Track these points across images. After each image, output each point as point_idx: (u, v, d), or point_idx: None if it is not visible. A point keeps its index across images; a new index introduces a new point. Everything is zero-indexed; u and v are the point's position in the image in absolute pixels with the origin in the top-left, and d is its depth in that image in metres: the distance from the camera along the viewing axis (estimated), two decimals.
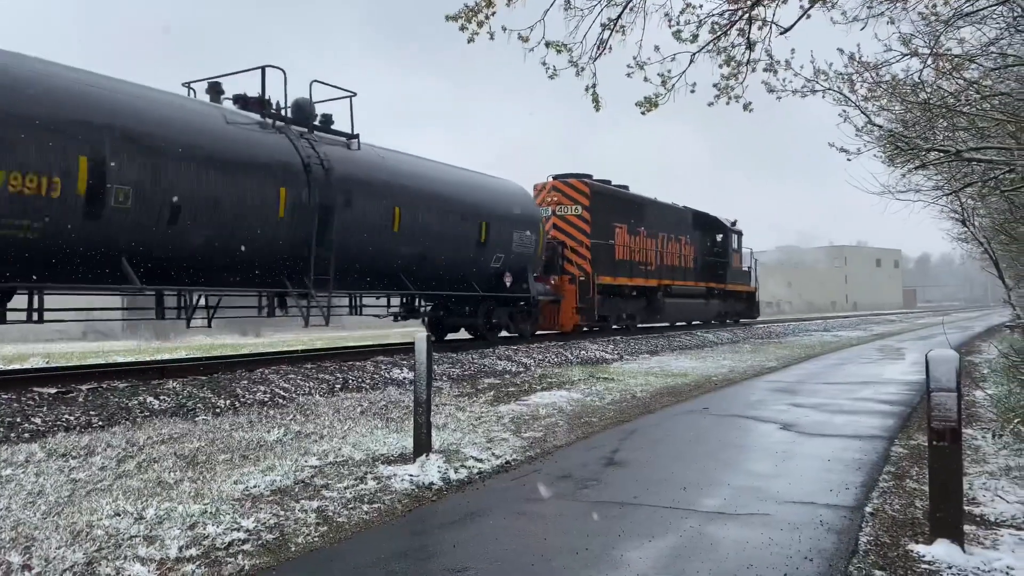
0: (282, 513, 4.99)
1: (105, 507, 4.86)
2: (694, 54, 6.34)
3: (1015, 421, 7.59)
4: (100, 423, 7.81)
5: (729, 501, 5.31)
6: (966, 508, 4.88)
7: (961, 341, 24.36)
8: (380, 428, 7.98)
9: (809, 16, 6.19)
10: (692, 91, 6.49)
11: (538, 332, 19.67)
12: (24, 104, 8.55)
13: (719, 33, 6.32)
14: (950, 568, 4.07)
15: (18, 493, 5.19)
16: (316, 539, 4.60)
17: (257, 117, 12.00)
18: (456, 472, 6.15)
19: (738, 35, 6.38)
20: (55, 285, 9.56)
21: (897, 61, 7.40)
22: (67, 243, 9.04)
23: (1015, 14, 7.13)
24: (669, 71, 6.38)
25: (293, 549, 4.41)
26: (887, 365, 16.43)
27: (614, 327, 22.52)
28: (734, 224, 30.97)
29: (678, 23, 6.24)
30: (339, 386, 10.91)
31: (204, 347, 21.57)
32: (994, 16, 7.27)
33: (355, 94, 13.57)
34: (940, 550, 4.23)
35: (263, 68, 12.31)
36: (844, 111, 7.92)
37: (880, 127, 8.13)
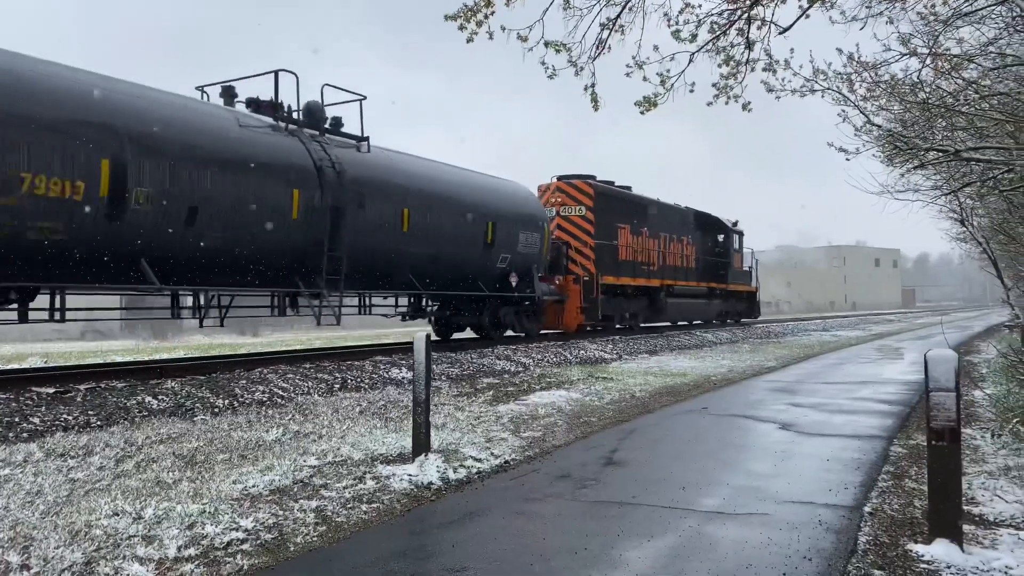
0: (281, 513, 4.98)
1: (104, 507, 4.85)
2: (693, 54, 6.34)
3: (1014, 421, 7.59)
4: (98, 423, 7.80)
5: (728, 501, 5.31)
6: (965, 508, 4.88)
7: (960, 341, 24.37)
8: (379, 428, 7.98)
9: (808, 16, 6.19)
10: (691, 91, 6.50)
11: (543, 331, 19.85)
12: (50, 109, 8.81)
13: (718, 33, 6.32)
14: (949, 568, 4.08)
15: (16, 493, 5.19)
16: (315, 539, 4.59)
17: (270, 120, 12.22)
18: (455, 472, 6.15)
19: (737, 35, 6.38)
20: (77, 285, 9.84)
21: (896, 61, 7.40)
22: (89, 244, 9.29)
23: (1014, 14, 7.13)
24: (668, 71, 6.38)
25: (292, 549, 4.41)
26: (886, 365, 16.43)
27: (617, 326, 22.68)
28: (735, 224, 31.14)
29: (677, 23, 6.24)
30: (338, 386, 10.90)
31: (202, 347, 21.56)
32: (993, 16, 7.27)
33: (365, 97, 13.83)
34: (939, 550, 4.24)
35: (276, 72, 12.55)
36: (843, 111, 7.92)
37: (879, 127, 8.13)
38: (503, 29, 6.11)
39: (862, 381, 13.02)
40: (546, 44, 6.21)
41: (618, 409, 9.72)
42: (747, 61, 6.49)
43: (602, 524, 4.80)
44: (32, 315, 9.70)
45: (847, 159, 7.86)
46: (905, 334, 31.43)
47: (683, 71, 6.37)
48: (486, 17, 6.08)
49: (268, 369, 11.25)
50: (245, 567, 4.09)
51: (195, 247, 10.49)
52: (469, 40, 6.15)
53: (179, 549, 4.25)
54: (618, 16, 6.23)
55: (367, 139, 13.79)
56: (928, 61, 7.32)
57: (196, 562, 4.11)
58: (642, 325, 24.37)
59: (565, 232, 20.93)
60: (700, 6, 6.22)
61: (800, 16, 6.18)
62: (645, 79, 6.42)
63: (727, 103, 6.66)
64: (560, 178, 21.90)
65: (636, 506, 5.20)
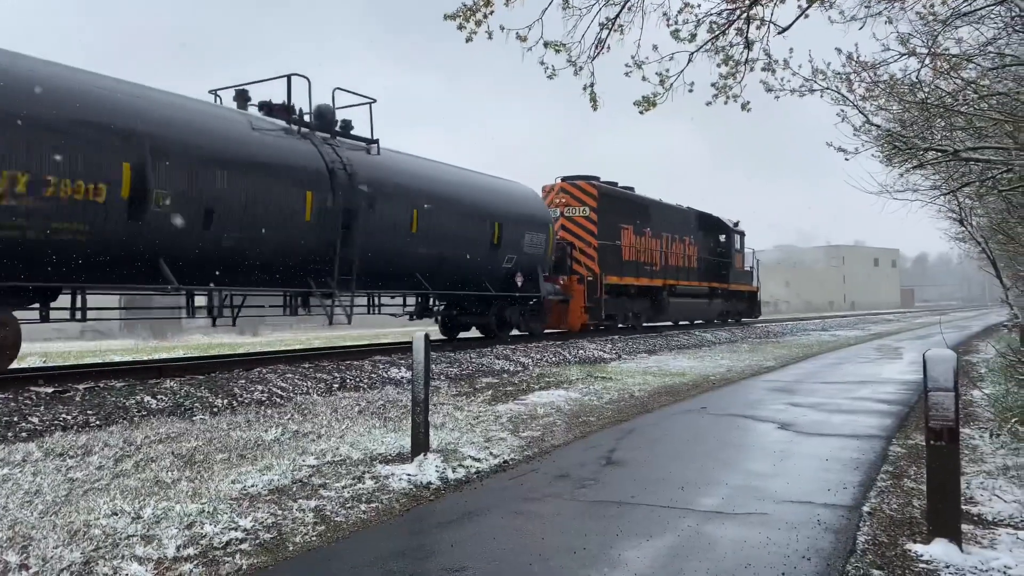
0: (280, 512, 4.98)
1: (102, 506, 4.85)
2: (692, 53, 6.35)
3: (1012, 421, 7.60)
4: (97, 422, 7.80)
5: (727, 500, 5.31)
6: (964, 507, 4.88)
7: (958, 341, 24.39)
8: (378, 427, 7.98)
9: (807, 16, 6.20)
10: (690, 90, 6.50)
11: (547, 331, 20.04)
12: (75, 114, 9.04)
13: (717, 32, 6.33)
14: (948, 567, 4.08)
15: (15, 492, 5.18)
16: (314, 538, 4.59)
17: (283, 124, 12.45)
18: (454, 471, 6.15)
19: (736, 34, 6.39)
20: (97, 285, 10.09)
21: (895, 61, 7.40)
22: (110, 245, 9.53)
23: (1013, 14, 7.13)
24: (667, 70, 6.39)
25: (291, 548, 4.41)
26: (885, 364, 16.44)
27: (620, 326, 22.84)
28: (737, 225, 31.33)
29: (676, 22, 6.25)
30: (337, 385, 10.90)
31: (201, 346, 21.55)
32: (992, 16, 7.27)
33: (375, 100, 14.03)
34: (938, 549, 4.24)
35: (288, 77, 12.80)
36: (842, 111, 7.92)
37: (878, 127, 8.13)
38: (502, 29, 6.11)
39: (861, 381, 13.03)
40: (545, 44, 6.22)
41: (617, 409, 9.72)
42: (746, 61, 6.50)
43: (601, 524, 4.80)
44: (49, 315, 9.95)
45: (846, 159, 7.86)
46: (904, 334, 31.45)
47: (682, 71, 6.38)
48: (485, 17, 6.09)
49: (267, 369, 11.25)
50: (244, 567, 4.09)
51: (212, 248, 10.74)
52: (468, 40, 6.15)
53: (178, 549, 4.25)
54: (617, 16, 6.24)
55: (376, 141, 14.05)
56: (927, 61, 7.33)
57: (195, 562, 4.11)
58: (644, 325, 24.51)
59: (569, 233, 21.12)
60: (699, 6, 6.24)
61: (799, 16, 6.19)
62: (644, 79, 6.43)
63: (726, 103, 6.67)
64: (564, 179, 22.07)
65: (635, 506, 5.20)
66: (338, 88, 13.50)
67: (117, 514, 4.72)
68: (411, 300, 16.70)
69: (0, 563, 3.90)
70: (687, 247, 26.85)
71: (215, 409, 8.88)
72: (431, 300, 16.95)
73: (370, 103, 14.01)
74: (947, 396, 4.33)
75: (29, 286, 9.24)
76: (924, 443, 4.68)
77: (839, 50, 7.59)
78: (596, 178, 22.38)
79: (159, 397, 8.88)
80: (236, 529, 4.59)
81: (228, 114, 11.83)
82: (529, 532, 4.70)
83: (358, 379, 11.45)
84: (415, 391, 6.46)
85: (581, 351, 17.25)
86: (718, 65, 6.53)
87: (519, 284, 17.65)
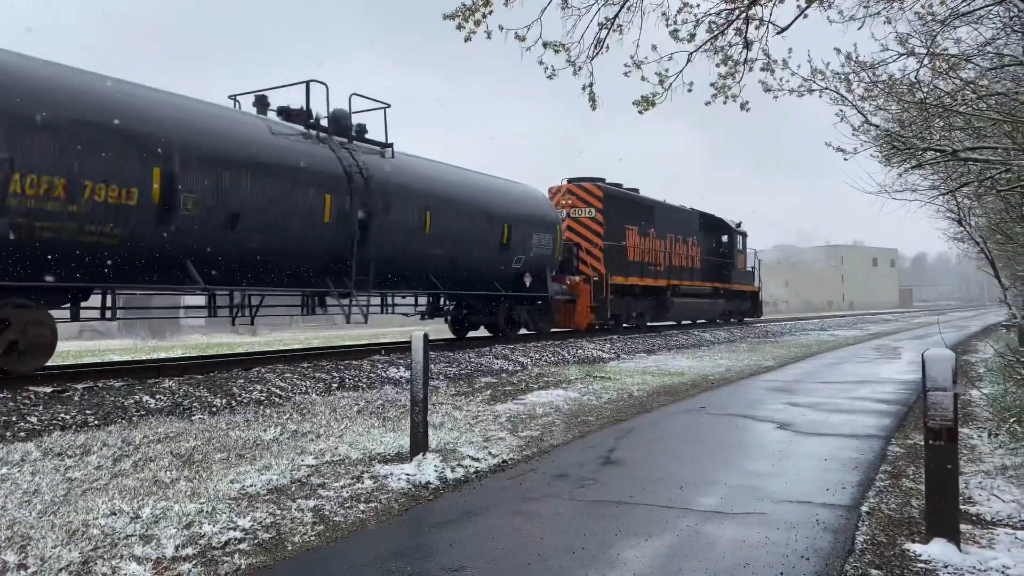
0: (278, 512, 4.98)
1: (101, 506, 4.85)
2: (691, 53, 6.35)
3: (1011, 420, 7.61)
4: (96, 422, 7.79)
5: (726, 500, 5.31)
6: (962, 507, 4.88)
7: (957, 340, 24.41)
8: (377, 427, 7.98)
9: (806, 16, 6.20)
10: (689, 90, 6.50)
11: (553, 330, 20.32)
12: (110, 121, 9.32)
13: (716, 32, 6.33)
14: (946, 567, 4.08)
15: (14, 492, 5.18)
16: (313, 538, 4.59)
17: (301, 128, 12.78)
18: (453, 471, 6.15)
19: (735, 34, 6.38)
20: (127, 285, 10.51)
21: (894, 61, 7.40)
22: (141, 247, 9.85)
23: (1011, 14, 7.14)
24: (666, 70, 6.38)
25: (290, 548, 4.40)
26: (883, 364, 16.46)
27: (625, 325, 23.07)
28: (739, 226, 31.60)
29: (675, 22, 6.25)
30: (336, 385, 10.90)
31: (200, 346, 21.54)
32: (991, 16, 7.28)
33: (389, 105, 14.43)
34: (936, 549, 4.24)
35: (307, 83, 13.13)
36: (841, 111, 7.92)
37: (877, 127, 8.13)
38: (501, 28, 6.11)
39: (860, 380, 13.03)
40: (544, 44, 6.21)
41: (616, 408, 9.72)
42: (745, 61, 6.50)
43: (600, 523, 4.80)
44: (80, 314, 10.29)
45: (845, 159, 7.87)
46: (902, 334, 31.47)
47: (681, 71, 6.38)
48: (484, 16, 6.08)
49: (266, 368, 11.24)
50: (243, 566, 4.09)
51: (236, 249, 11.08)
52: (467, 39, 6.15)
53: (176, 548, 4.25)
54: (616, 16, 6.24)
55: (391, 145, 14.36)
56: (926, 61, 7.33)
57: (194, 561, 4.11)
58: (648, 324, 24.78)
59: (575, 233, 21.38)
60: (698, 6, 6.24)
61: (798, 16, 6.19)
62: (643, 79, 6.43)
63: (725, 103, 6.68)
64: (570, 180, 22.37)
65: (634, 505, 5.20)
66: (355, 94, 13.91)
67: (116, 514, 4.72)
68: (423, 300, 17.07)
69: None
70: (690, 248, 27.07)
71: (214, 409, 8.88)
72: (442, 300, 17.32)
73: (384, 108, 14.38)
74: (946, 396, 4.33)
75: (67, 286, 9.60)
76: (923, 443, 4.69)
77: (838, 50, 7.59)
78: (602, 180, 22.63)
79: (158, 397, 8.87)
80: (235, 529, 4.59)
81: (249, 119, 12.11)
82: (528, 532, 4.70)
83: (357, 379, 11.45)
84: (414, 391, 6.46)
85: (580, 351, 17.26)
86: (717, 65, 6.53)
87: (527, 284, 17.95)
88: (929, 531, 4.39)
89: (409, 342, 6.66)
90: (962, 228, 14.86)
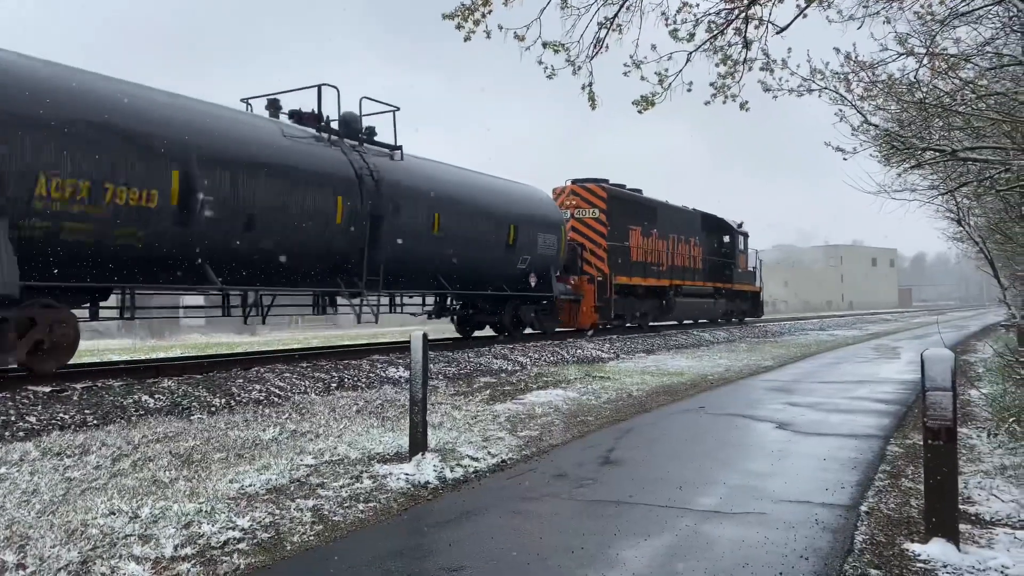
0: (278, 512, 4.98)
1: (100, 506, 4.84)
2: (691, 53, 6.35)
3: (1010, 420, 7.61)
4: (95, 422, 7.79)
5: (725, 500, 5.31)
6: (961, 507, 4.89)
7: (956, 340, 24.43)
8: (376, 427, 7.97)
9: (805, 15, 6.20)
10: (689, 90, 6.50)
11: (558, 329, 20.51)
12: (132, 125, 9.58)
13: (716, 32, 6.32)
14: (945, 567, 4.08)
15: (12, 492, 5.18)
16: (312, 538, 4.59)
17: (313, 131, 13.02)
18: (452, 471, 6.15)
19: (735, 34, 6.38)
20: (146, 286, 10.75)
21: (893, 60, 7.41)
22: (160, 248, 10.07)
23: (1011, 14, 7.14)
24: (666, 70, 6.38)
25: (289, 548, 4.40)
26: (883, 364, 16.46)
27: (628, 325, 23.29)
28: (740, 226, 31.84)
29: (675, 22, 6.25)
30: (335, 385, 10.90)
31: (199, 346, 21.53)
32: (990, 16, 7.28)
33: (398, 109, 14.69)
34: (935, 549, 4.24)
35: (319, 87, 13.34)
36: (840, 110, 7.92)
37: (876, 126, 8.13)
38: (500, 28, 6.10)
39: (859, 380, 13.04)
40: (544, 44, 6.21)
41: (615, 408, 9.72)
42: (744, 60, 6.50)
43: (599, 523, 4.80)
44: (99, 313, 10.62)
45: (844, 159, 7.87)
46: (902, 333, 31.49)
47: (680, 70, 6.38)
48: (483, 16, 6.07)
49: (265, 368, 11.24)
50: (242, 566, 4.09)
51: (251, 250, 11.27)
52: (466, 39, 6.15)
53: (175, 548, 4.24)
54: (616, 15, 6.24)
55: (400, 148, 14.61)
56: (925, 61, 7.34)
57: (192, 561, 4.10)
58: (651, 324, 24.97)
59: (579, 234, 21.57)
60: (698, 5, 6.24)
61: (797, 16, 6.19)
62: (643, 78, 6.43)
63: (724, 102, 6.68)
64: (574, 181, 22.57)
65: (633, 505, 5.20)
66: (365, 97, 14.14)
67: (115, 513, 4.71)
68: (430, 300, 17.35)
69: None
70: (692, 248, 27.28)
71: (213, 408, 8.88)
72: (449, 300, 17.57)
73: (393, 111, 14.62)
74: (945, 396, 4.33)
75: (90, 286, 9.85)
76: (922, 443, 4.69)
77: (837, 50, 7.59)
78: (605, 181, 22.83)
79: (157, 396, 8.87)
80: (234, 529, 4.59)
81: (263, 123, 12.33)
82: (527, 531, 4.70)
83: (356, 378, 11.45)
84: (413, 390, 6.46)
85: (579, 351, 17.26)
86: (716, 65, 6.53)
87: (533, 284, 18.17)
88: (928, 531, 4.39)
89: (408, 342, 6.65)
90: (961, 228, 14.87)
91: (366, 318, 14.08)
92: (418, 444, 6.39)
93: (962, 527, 4.55)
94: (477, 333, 19.07)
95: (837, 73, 7.63)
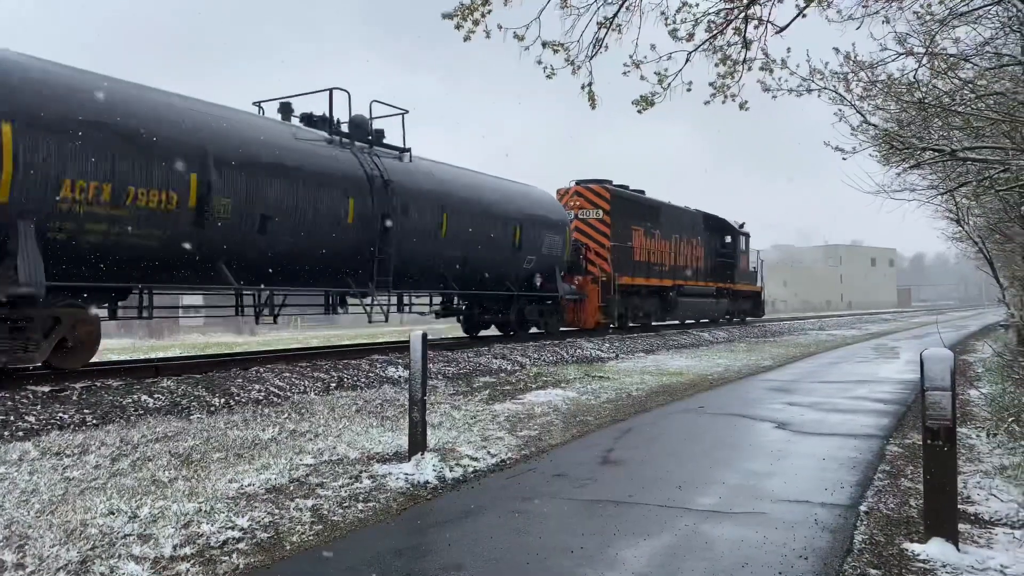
0: (277, 512, 4.97)
1: (99, 506, 4.84)
2: (690, 53, 6.34)
3: (1009, 420, 7.61)
4: (94, 421, 7.78)
5: (724, 500, 5.31)
6: (961, 507, 4.89)
7: (955, 340, 24.43)
8: (375, 426, 7.97)
9: (805, 15, 6.20)
10: (688, 90, 6.50)
11: (562, 329, 20.69)
12: (151, 129, 9.80)
13: (715, 32, 6.32)
14: (944, 567, 4.08)
15: (12, 491, 5.17)
16: (311, 537, 4.59)
17: (324, 134, 13.27)
18: (451, 471, 6.15)
19: (734, 34, 6.38)
20: (163, 285, 11.01)
21: (892, 60, 7.41)
22: (178, 249, 10.29)
23: (1010, 14, 7.15)
24: (665, 70, 6.38)
25: (288, 548, 4.40)
26: (882, 364, 16.46)
27: (631, 324, 23.42)
28: (742, 226, 32.09)
29: (674, 22, 6.24)
30: (334, 384, 10.89)
31: (198, 345, 21.53)
32: (989, 16, 7.29)
33: (407, 111, 14.92)
34: (935, 549, 4.24)
35: (331, 90, 13.62)
36: (839, 110, 7.92)
37: (875, 126, 8.14)
38: (500, 28, 6.10)
39: (858, 380, 13.04)
40: (543, 44, 6.20)
41: (614, 408, 9.72)
42: (744, 60, 6.49)
43: (598, 523, 4.80)
44: (117, 313, 10.87)
45: (844, 158, 7.88)
46: (901, 333, 31.50)
47: (680, 70, 6.37)
48: (483, 16, 6.06)
49: (264, 368, 11.23)
50: (241, 566, 4.09)
51: (265, 251, 11.50)
52: (466, 39, 6.13)
53: (175, 548, 4.24)
54: (615, 15, 6.23)
55: (409, 150, 14.85)
56: (924, 60, 7.34)
57: (192, 561, 4.10)
58: (653, 324, 25.14)
59: (583, 234, 21.75)
60: (697, 5, 6.23)
61: (797, 15, 6.19)
62: (643, 78, 6.43)
63: (724, 102, 6.67)
64: (578, 182, 22.78)
65: (632, 505, 5.20)
66: (375, 101, 14.33)
67: (114, 513, 4.71)
68: (437, 299, 17.59)
69: None
70: (695, 248, 27.48)
71: (212, 408, 8.87)
72: (455, 299, 17.83)
73: (402, 114, 14.83)
74: (944, 395, 4.33)
75: (112, 286, 10.09)
76: (921, 442, 4.69)
77: (837, 50, 7.59)
78: (609, 182, 23.00)
79: (156, 396, 8.87)
80: (233, 528, 4.59)
81: (276, 126, 12.57)
82: (526, 531, 4.70)
83: (355, 378, 11.45)
84: (412, 390, 6.45)
85: (579, 350, 17.26)
86: (716, 65, 6.53)
87: (538, 284, 18.44)
88: (927, 531, 4.39)
89: (407, 342, 6.65)
90: (960, 228, 14.89)
91: (376, 317, 14.35)
92: (417, 444, 6.38)
93: (961, 527, 4.55)
94: (483, 332, 19.28)
95: (836, 73, 7.64)
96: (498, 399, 10.34)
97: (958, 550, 4.24)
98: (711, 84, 6.63)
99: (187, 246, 10.32)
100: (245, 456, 6.46)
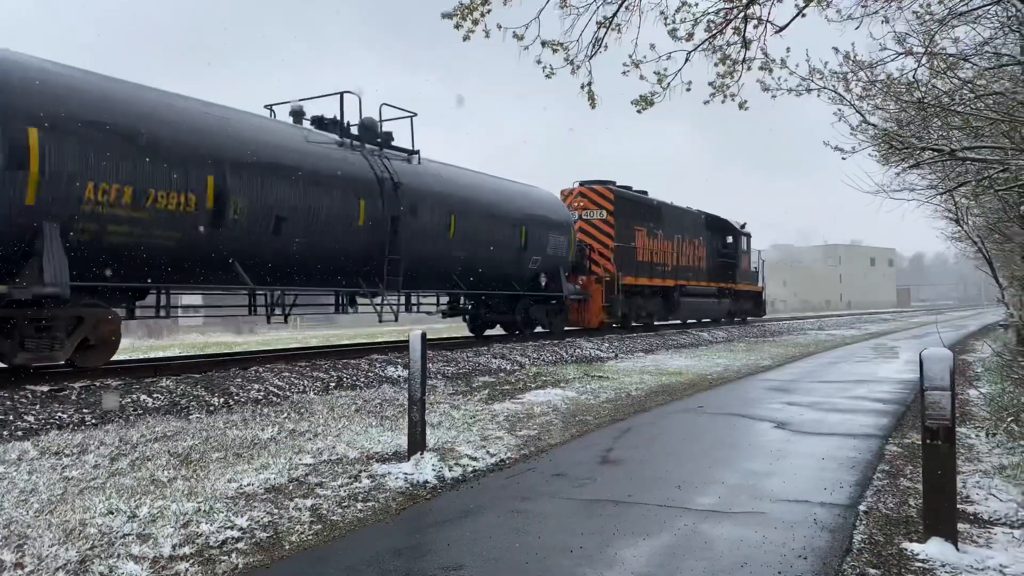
0: (276, 511, 4.97)
1: (98, 505, 4.84)
2: (690, 53, 6.34)
3: (1008, 420, 7.61)
4: (93, 421, 7.78)
5: (724, 499, 5.31)
6: (960, 506, 4.89)
7: (955, 340, 24.45)
8: (374, 426, 7.97)
9: (804, 15, 6.20)
10: (688, 89, 6.50)
11: (567, 328, 20.89)
12: (171, 133, 10.09)
13: (715, 32, 6.32)
14: (944, 566, 4.08)
15: (11, 491, 5.17)
16: (310, 537, 4.59)
17: (335, 137, 13.53)
18: (450, 470, 6.15)
19: (733, 33, 6.38)
20: (180, 285, 11.26)
21: (892, 60, 7.41)
22: (196, 250, 10.55)
23: (1009, 14, 7.15)
24: (665, 69, 6.37)
25: (287, 547, 4.40)
26: (881, 364, 16.46)
27: (634, 324, 23.61)
28: (743, 227, 32.27)
29: (674, 22, 6.24)
30: (333, 384, 10.89)
31: (197, 345, 21.53)
32: (988, 16, 7.28)
33: (415, 114, 15.09)
34: (934, 548, 4.24)
35: (341, 94, 13.84)
36: (839, 110, 7.92)
37: (875, 126, 8.13)
38: (499, 27, 6.09)
39: (858, 380, 13.04)
40: (543, 44, 6.20)
41: (614, 408, 9.72)
42: (743, 60, 6.49)
43: (598, 523, 4.80)
44: (135, 312, 11.10)
45: (843, 158, 7.87)
46: (900, 333, 31.51)
47: (679, 70, 6.37)
48: (482, 15, 6.06)
49: (264, 367, 11.23)
50: (240, 565, 4.08)
51: (280, 251, 11.74)
52: (465, 38, 6.13)
53: (174, 548, 4.24)
54: (615, 15, 6.23)
55: (417, 152, 15.12)
56: (924, 60, 7.34)
57: (191, 560, 4.10)
58: (656, 323, 25.31)
59: (587, 235, 21.92)
60: (696, 4, 6.22)
61: (796, 15, 6.19)
62: (642, 78, 6.42)
63: (723, 102, 6.67)
64: (582, 183, 22.99)
65: (632, 505, 5.20)
66: (385, 104, 14.54)
67: (113, 513, 4.71)
68: (444, 299, 17.84)
69: None
70: (697, 248, 27.62)
71: (211, 408, 8.87)
72: (462, 299, 18.11)
73: (411, 116, 15.01)
74: (943, 395, 4.34)
75: (134, 286, 10.40)
76: (920, 442, 4.69)
77: (836, 49, 7.59)
78: (612, 182, 23.15)
79: (155, 396, 8.86)
80: (232, 528, 4.59)
81: (289, 129, 12.82)
82: (526, 531, 4.70)
83: (355, 378, 11.45)
84: (411, 390, 6.45)
85: (578, 350, 17.26)
86: (715, 64, 6.53)
87: (543, 284, 18.66)
88: (927, 530, 4.39)
89: (406, 342, 6.65)
90: (960, 228, 14.88)
91: (387, 317, 14.56)
92: (417, 443, 6.38)
93: (960, 526, 4.55)
94: (488, 332, 19.47)
95: (836, 72, 7.64)
96: (497, 399, 10.34)
97: (957, 550, 4.24)
98: (711, 84, 6.63)
99: (204, 247, 10.58)
100: (244, 456, 6.46)
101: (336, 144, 13.29)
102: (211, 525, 4.59)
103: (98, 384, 9.09)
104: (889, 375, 13.82)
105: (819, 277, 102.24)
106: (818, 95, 7.61)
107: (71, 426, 7.53)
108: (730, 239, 30.76)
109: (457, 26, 6.08)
